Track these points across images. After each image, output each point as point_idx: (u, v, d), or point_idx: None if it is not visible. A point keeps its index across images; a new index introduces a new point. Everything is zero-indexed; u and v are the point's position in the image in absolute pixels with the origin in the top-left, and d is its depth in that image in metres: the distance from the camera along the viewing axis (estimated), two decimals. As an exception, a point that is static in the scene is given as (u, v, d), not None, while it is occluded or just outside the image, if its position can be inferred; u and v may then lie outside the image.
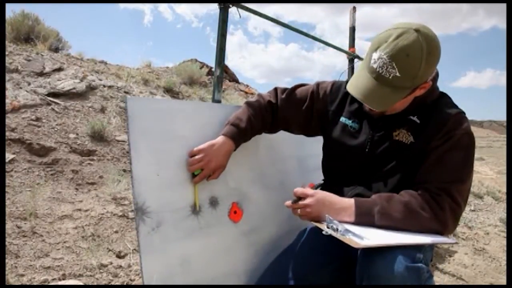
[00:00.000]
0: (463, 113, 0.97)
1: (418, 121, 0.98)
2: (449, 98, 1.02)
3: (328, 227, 0.88)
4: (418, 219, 0.90)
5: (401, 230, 0.91)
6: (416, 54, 0.83)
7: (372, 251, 0.83)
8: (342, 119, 1.13)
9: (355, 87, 0.93)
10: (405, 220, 0.90)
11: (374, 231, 0.90)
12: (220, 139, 1.09)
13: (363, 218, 0.93)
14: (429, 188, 0.93)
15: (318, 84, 1.21)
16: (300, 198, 1.00)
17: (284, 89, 1.23)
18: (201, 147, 1.07)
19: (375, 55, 0.87)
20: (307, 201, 0.97)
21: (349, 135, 1.10)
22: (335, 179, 1.15)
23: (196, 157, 1.06)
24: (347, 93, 1.14)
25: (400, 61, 0.84)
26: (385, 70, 0.86)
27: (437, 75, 1.00)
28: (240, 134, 1.11)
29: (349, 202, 0.96)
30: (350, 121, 1.11)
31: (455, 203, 0.91)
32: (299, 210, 0.99)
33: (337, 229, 0.86)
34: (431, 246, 1.00)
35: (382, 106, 0.91)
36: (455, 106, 0.99)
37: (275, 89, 1.24)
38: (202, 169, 1.07)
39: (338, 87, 1.18)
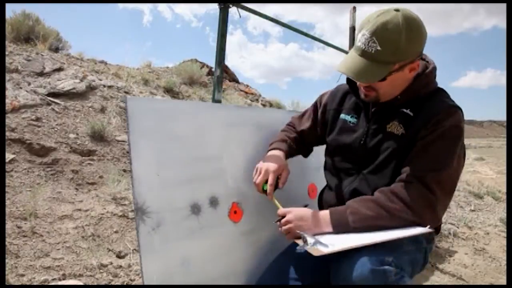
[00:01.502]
0: (457, 107, 0.97)
1: (411, 114, 0.99)
2: (446, 93, 1.03)
3: (303, 242, 0.92)
4: (389, 212, 0.90)
5: (377, 228, 0.91)
6: (394, 27, 0.87)
7: (342, 256, 0.85)
8: (342, 115, 1.17)
9: (342, 66, 0.97)
10: (377, 216, 0.91)
11: (347, 237, 0.91)
12: (268, 153, 1.22)
13: (340, 225, 0.95)
14: (403, 178, 0.94)
15: (320, 95, 1.31)
16: (282, 217, 1.05)
17: (299, 113, 1.38)
18: (255, 166, 1.17)
19: (360, 35, 0.93)
20: (287, 218, 1.01)
21: (348, 130, 1.13)
22: (334, 177, 1.16)
23: (256, 175, 1.14)
24: (346, 92, 1.19)
25: (380, 35, 0.88)
26: (367, 45, 0.91)
27: (434, 68, 1.02)
28: (283, 144, 1.23)
29: (325, 212, 0.99)
30: (349, 117, 1.14)
31: (429, 190, 0.90)
32: (282, 228, 1.03)
33: (308, 242, 0.89)
34: (418, 249, 0.99)
35: (368, 79, 0.94)
36: (450, 100, 0.99)
37: (292, 117, 1.40)
38: (267, 181, 1.12)
39: (337, 88, 1.24)
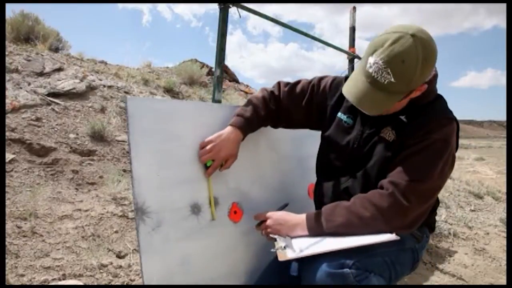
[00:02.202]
0: (451, 118, 0.96)
1: (405, 120, 0.99)
2: (444, 101, 1.01)
3: (275, 242, 0.97)
4: (360, 220, 0.91)
5: (349, 234, 0.91)
6: (411, 61, 0.83)
7: (306, 260, 0.89)
8: (339, 114, 1.15)
9: (349, 91, 0.94)
10: (347, 223, 0.92)
11: (320, 241, 0.93)
12: (227, 128, 1.13)
13: (315, 229, 0.97)
14: (382, 183, 0.94)
15: (319, 78, 1.24)
16: (262, 221, 1.09)
17: (287, 83, 1.26)
18: (209, 138, 1.11)
19: (371, 60, 0.87)
20: (267, 222, 1.06)
21: (342, 130, 1.12)
22: (327, 174, 1.17)
23: (206, 148, 1.09)
24: None
25: (395, 67, 0.84)
26: (380, 75, 0.86)
27: (435, 76, 0.99)
28: (246, 123, 1.14)
29: (301, 217, 1.01)
30: (345, 116, 1.13)
31: (404, 199, 0.88)
32: (262, 231, 1.08)
33: (279, 245, 0.94)
34: (402, 249, 1.00)
35: (375, 110, 0.92)
36: (445, 110, 0.98)
37: (278, 82, 1.27)
38: (213, 160, 1.10)
39: (338, 83, 1.19)
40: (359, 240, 0.87)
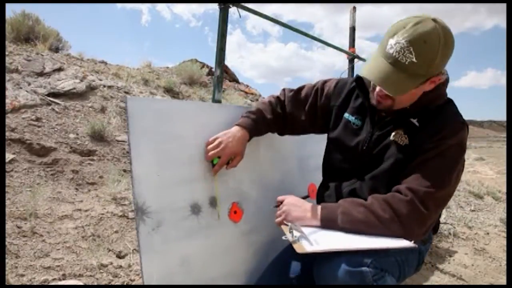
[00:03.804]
0: (463, 123, 0.96)
1: (417, 124, 0.98)
2: (454, 105, 1.01)
3: (289, 232, 0.92)
4: (379, 220, 0.89)
5: (364, 233, 0.90)
6: (433, 42, 0.83)
7: (323, 256, 0.86)
8: (346, 115, 1.14)
9: (369, 71, 0.91)
10: (366, 221, 0.90)
11: (334, 237, 0.91)
12: (234, 128, 1.15)
13: (328, 221, 0.95)
14: (400, 189, 0.92)
15: (323, 82, 1.25)
16: (279, 204, 1.09)
17: (292, 89, 1.28)
18: (216, 135, 1.13)
19: (392, 41, 0.86)
20: (284, 201, 1.06)
21: (351, 131, 1.11)
22: (333, 175, 1.16)
23: (212, 144, 1.11)
24: (352, 89, 1.16)
25: (418, 46, 0.84)
26: (402, 55, 0.85)
27: (447, 80, 0.99)
28: (253, 124, 1.16)
29: (316, 205, 1.00)
30: (353, 118, 1.12)
31: (423, 206, 0.89)
32: (277, 213, 1.06)
33: (293, 235, 0.90)
34: (411, 250, 0.99)
35: (397, 91, 0.89)
36: (457, 115, 0.98)
37: (284, 89, 1.30)
38: (219, 157, 1.11)
39: (343, 84, 1.20)
40: (378, 242, 0.86)
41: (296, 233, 0.90)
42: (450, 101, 1.02)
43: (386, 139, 1.02)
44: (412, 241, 0.86)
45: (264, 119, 1.19)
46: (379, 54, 0.91)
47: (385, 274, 0.86)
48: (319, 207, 0.98)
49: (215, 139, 1.12)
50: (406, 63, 0.85)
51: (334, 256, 0.84)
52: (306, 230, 0.93)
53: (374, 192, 0.99)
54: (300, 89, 1.26)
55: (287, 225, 0.98)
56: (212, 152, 1.10)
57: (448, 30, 0.86)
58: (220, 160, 1.11)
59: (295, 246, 0.87)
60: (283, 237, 0.93)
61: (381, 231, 0.89)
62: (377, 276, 0.84)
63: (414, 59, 0.84)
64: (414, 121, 0.98)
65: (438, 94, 0.98)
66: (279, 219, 1.04)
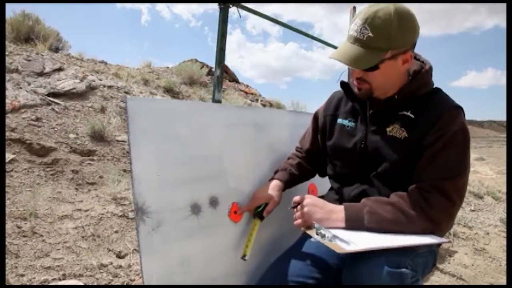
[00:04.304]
0: (459, 107, 0.96)
1: (412, 116, 0.98)
2: (443, 92, 1.02)
3: (317, 234, 0.89)
4: (407, 218, 0.89)
5: (391, 231, 0.89)
6: (386, 15, 0.90)
7: (357, 256, 0.84)
8: (339, 120, 1.15)
9: (335, 53, 0.98)
10: (395, 220, 0.89)
11: (363, 236, 0.88)
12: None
13: (353, 221, 0.93)
14: (421, 186, 0.92)
15: (317, 109, 1.30)
16: (297, 205, 1.03)
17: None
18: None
19: (352, 25, 0.95)
20: (304, 202, 1.00)
21: (347, 134, 1.11)
22: (340, 181, 1.15)
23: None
24: (341, 97, 1.19)
25: (371, 21, 0.91)
26: (360, 33, 0.93)
27: (431, 68, 1.02)
28: (282, 172, 1.24)
29: (339, 206, 0.97)
30: (347, 121, 1.13)
31: (448, 200, 0.89)
32: (296, 215, 1.01)
33: (325, 235, 0.87)
34: (430, 251, 0.98)
35: (361, 65, 0.94)
36: (450, 100, 0.99)
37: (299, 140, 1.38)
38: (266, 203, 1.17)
39: (332, 96, 1.24)
40: (410, 240, 0.85)
41: (327, 233, 0.87)
42: (439, 89, 1.02)
43: (382, 134, 1.01)
44: (443, 236, 0.87)
45: (290, 172, 1.24)
46: (345, 40, 0.99)
47: (418, 275, 0.86)
48: (341, 207, 0.96)
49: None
50: (365, 38, 0.92)
51: (371, 256, 0.82)
52: (333, 230, 0.91)
53: (382, 189, 0.99)
54: (307, 129, 1.33)
55: (309, 227, 0.95)
56: (247, 206, 1.18)
57: (403, 7, 0.92)
58: (248, 206, 1.18)
59: (331, 246, 0.84)
60: (312, 239, 0.91)
61: (410, 229, 0.89)
62: (415, 278, 0.84)
63: (370, 34, 0.91)
64: (408, 113, 0.99)
65: (424, 82, 0.99)
66: (300, 221, 0.99)
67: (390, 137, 1.00)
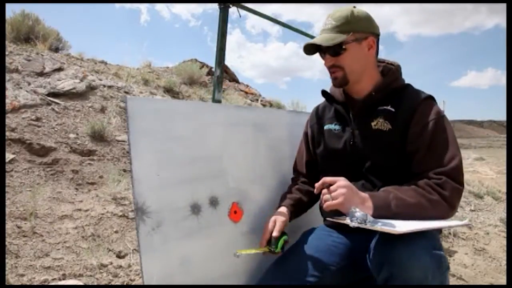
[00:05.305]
0: (430, 96, 1.07)
1: (392, 110, 1.06)
2: (413, 87, 1.13)
3: (351, 220, 0.87)
4: (430, 202, 0.93)
5: (414, 217, 0.92)
6: (345, 10, 1.08)
7: (392, 239, 0.84)
8: (326, 126, 1.21)
9: (307, 42, 1.11)
10: (419, 204, 0.93)
11: (394, 222, 0.88)
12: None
13: (381, 208, 0.93)
14: (430, 176, 0.97)
15: (303, 131, 1.34)
16: (329, 186, 0.97)
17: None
18: None
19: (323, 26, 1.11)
20: (340, 183, 0.95)
21: (335, 137, 1.16)
22: None
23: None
24: (324, 106, 1.26)
25: (333, 14, 1.08)
26: (325, 25, 1.09)
27: (399, 66, 1.16)
28: (284, 198, 1.22)
29: (365, 194, 0.96)
30: (333, 125, 1.19)
31: (457, 183, 0.96)
32: (330, 195, 0.95)
33: (365, 220, 0.86)
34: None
35: (328, 41, 1.06)
36: (421, 92, 1.09)
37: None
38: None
39: (314, 108, 1.31)
40: (438, 223, 0.90)
41: (368, 218, 0.86)
42: (409, 84, 1.14)
43: (368, 129, 1.08)
44: (467, 220, 0.93)
45: (290, 193, 1.24)
46: None
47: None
48: (367, 195, 0.95)
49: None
50: (329, 27, 1.08)
51: (409, 239, 0.82)
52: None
53: (379, 184, 1.03)
54: (299, 147, 1.34)
55: (338, 210, 0.92)
56: (263, 239, 1.11)
57: (362, 9, 1.10)
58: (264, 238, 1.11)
59: (381, 230, 0.83)
60: (351, 225, 0.86)
61: (432, 213, 0.94)
62: (447, 263, 0.88)
63: (333, 22, 1.07)
64: (389, 107, 1.07)
65: (395, 77, 1.12)
66: (334, 202, 0.93)
67: (376, 130, 1.07)
